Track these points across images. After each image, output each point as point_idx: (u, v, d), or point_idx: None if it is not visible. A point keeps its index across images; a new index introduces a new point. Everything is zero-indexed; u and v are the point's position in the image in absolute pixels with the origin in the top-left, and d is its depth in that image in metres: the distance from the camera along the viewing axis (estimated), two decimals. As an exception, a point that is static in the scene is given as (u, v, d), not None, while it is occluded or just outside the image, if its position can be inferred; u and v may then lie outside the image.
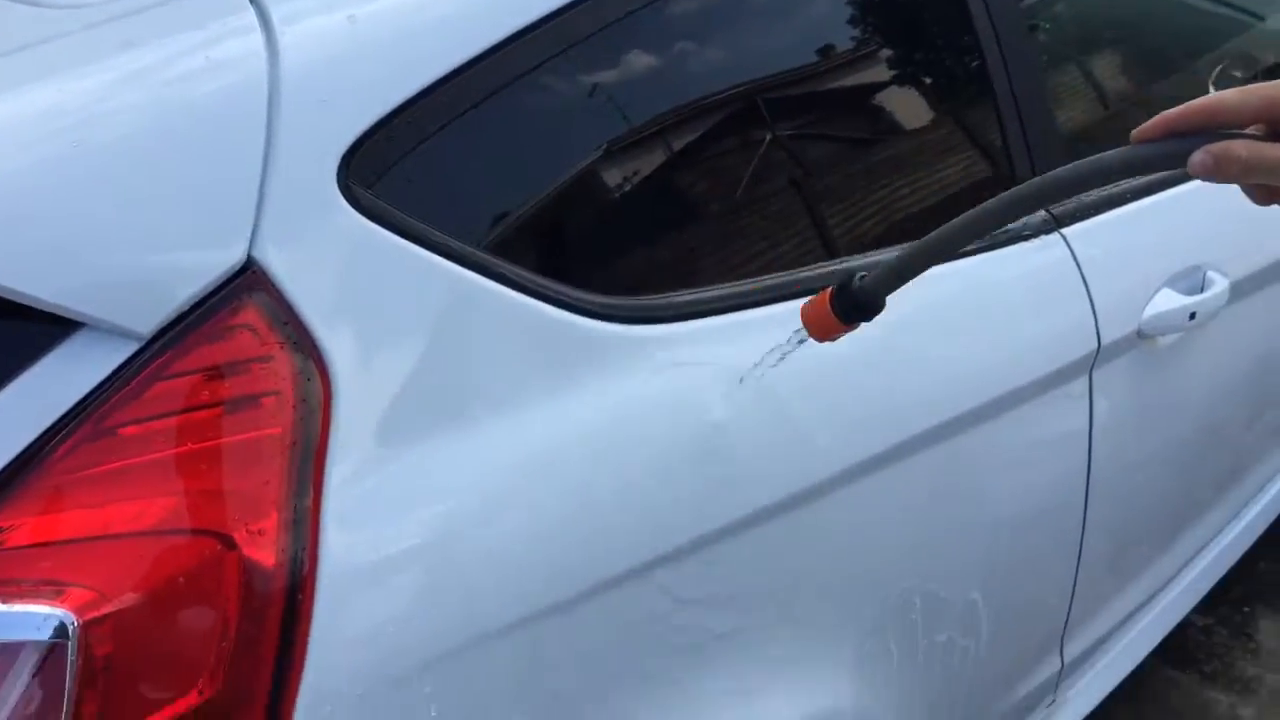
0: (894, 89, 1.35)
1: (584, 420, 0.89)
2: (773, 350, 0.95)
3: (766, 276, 1.07)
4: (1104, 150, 0.71)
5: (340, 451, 0.78)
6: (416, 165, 0.85)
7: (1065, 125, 1.53)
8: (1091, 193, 1.42)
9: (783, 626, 1.06)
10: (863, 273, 0.85)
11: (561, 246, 0.97)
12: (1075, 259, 1.32)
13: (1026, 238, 1.31)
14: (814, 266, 1.12)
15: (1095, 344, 1.33)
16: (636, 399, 0.92)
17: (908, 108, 1.38)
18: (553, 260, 0.93)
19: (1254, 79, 0.92)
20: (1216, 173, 0.68)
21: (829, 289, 0.86)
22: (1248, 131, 0.69)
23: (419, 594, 0.79)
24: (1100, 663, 1.77)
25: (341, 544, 0.76)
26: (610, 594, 0.89)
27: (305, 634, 0.75)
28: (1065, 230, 1.34)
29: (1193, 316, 1.44)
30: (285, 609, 0.74)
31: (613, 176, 1.00)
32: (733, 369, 0.98)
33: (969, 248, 1.25)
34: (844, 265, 1.13)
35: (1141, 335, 1.40)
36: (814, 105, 1.25)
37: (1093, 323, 1.32)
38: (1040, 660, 1.53)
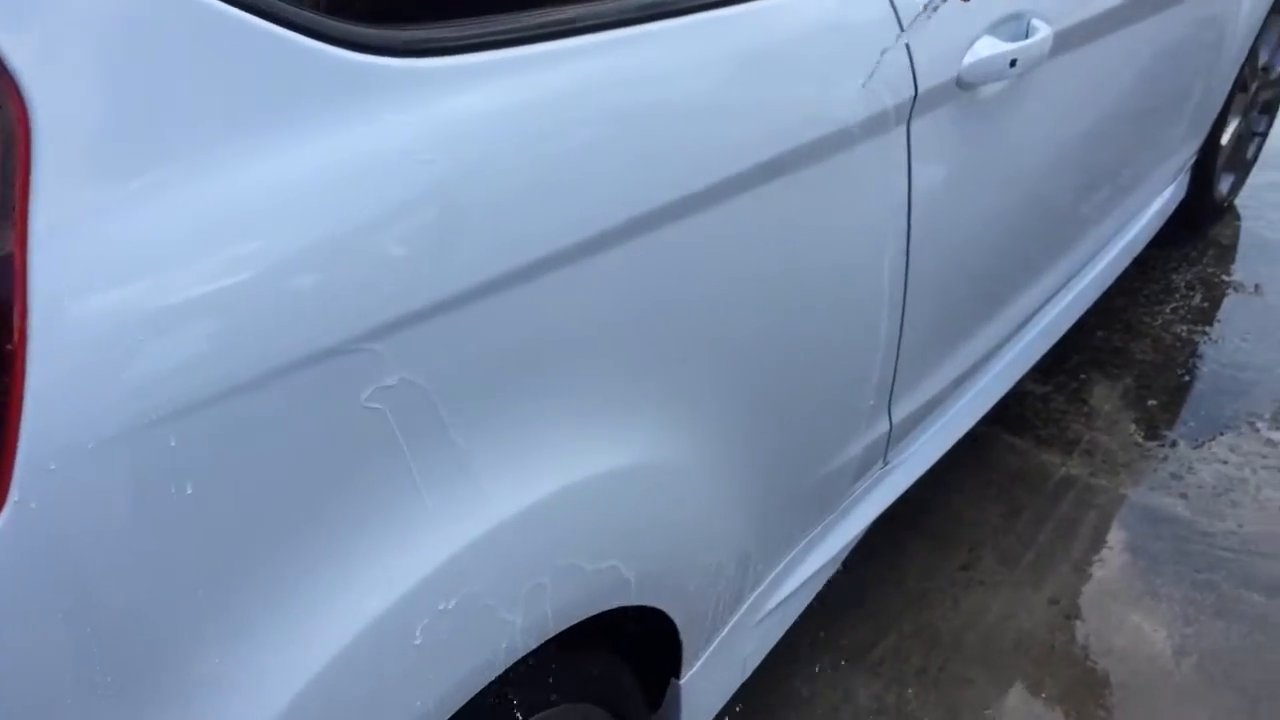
0: None
1: (331, 163, 0.81)
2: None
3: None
4: None
5: (47, 189, 0.69)
6: None
7: None
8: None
9: (596, 372, 1.02)
10: None
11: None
12: (892, 2, 1.27)
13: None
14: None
15: (912, 91, 1.29)
16: (397, 141, 0.85)
17: None
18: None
19: None
20: None
21: None
22: None
23: (145, 344, 0.72)
24: (932, 426, 1.81)
25: (58, 281, 0.69)
26: (382, 341, 0.83)
27: (19, 388, 0.68)
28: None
29: (1014, 64, 1.40)
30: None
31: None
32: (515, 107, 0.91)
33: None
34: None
35: (961, 84, 1.37)
36: None
37: (909, 68, 1.28)
38: (868, 421, 1.55)
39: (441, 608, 0.91)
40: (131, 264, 0.72)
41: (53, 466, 0.69)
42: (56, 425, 0.69)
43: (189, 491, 0.75)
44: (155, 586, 0.75)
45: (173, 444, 0.73)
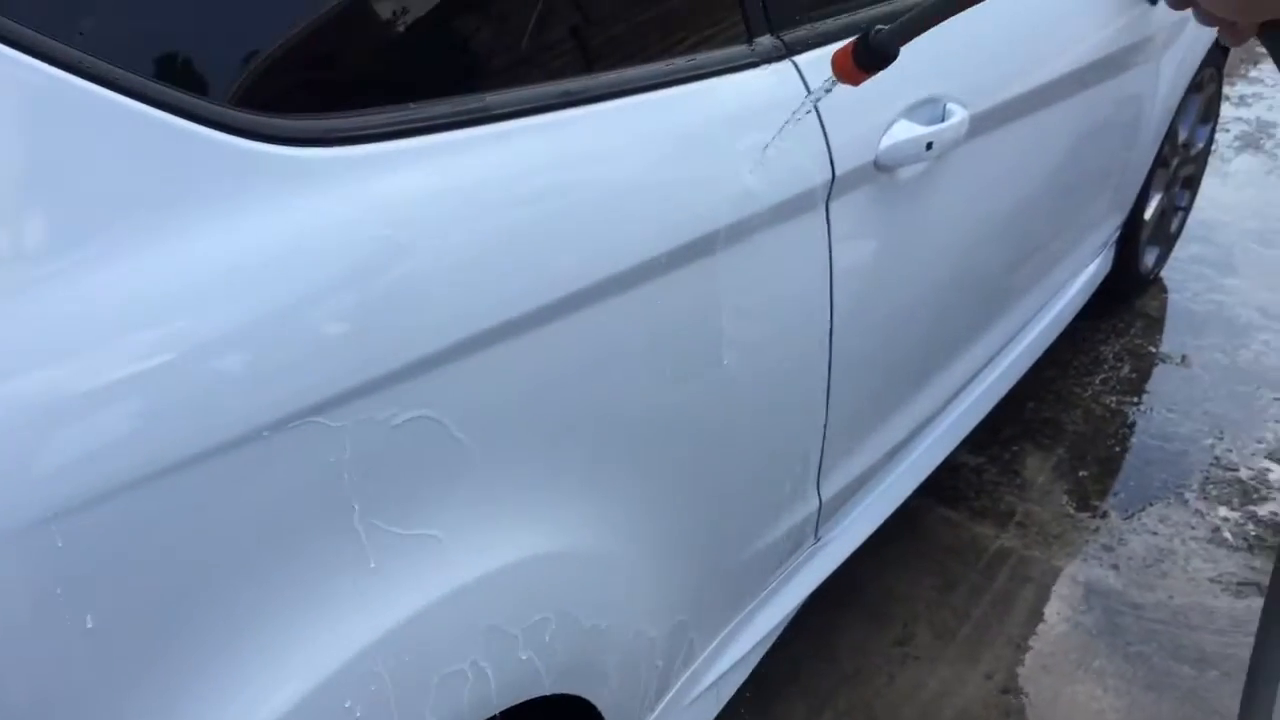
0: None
1: (249, 248, 0.81)
2: (807, 98, 1.19)
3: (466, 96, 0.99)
4: None
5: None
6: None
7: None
8: (827, 20, 1.39)
9: (514, 461, 1.01)
10: (879, 26, 1.01)
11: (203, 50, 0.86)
12: (808, 87, 1.29)
13: (755, 64, 1.27)
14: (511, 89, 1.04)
15: (830, 174, 1.31)
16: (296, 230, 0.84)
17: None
18: (185, 66, 0.83)
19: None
20: None
21: (852, 40, 1.03)
22: None
23: (57, 431, 0.70)
24: (864, 502, 1.81)
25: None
26: (301, 424, 0.82)
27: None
28: (797, 58, 1.31)
29: (930, 146, 1.43)
30: None
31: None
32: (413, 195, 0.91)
33: (697, 74, 1.21)
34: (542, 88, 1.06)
35: (879, 166, 1.39)
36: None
37: (826, 151, 1.30)
38: (796, 499, 1.54)
39: (349, 705, 0.89)
40: (39, 350, 0.70)
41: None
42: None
43: (112, 576, 0.73)
44: (74, 674, 0.73)
45: (86, 532, 0.71)
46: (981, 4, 0.92)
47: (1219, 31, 0.76)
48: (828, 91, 1.13)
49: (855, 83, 1.06)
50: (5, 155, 0.71)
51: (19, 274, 0.70)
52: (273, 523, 0.83)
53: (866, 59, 1.04)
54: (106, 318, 0.73)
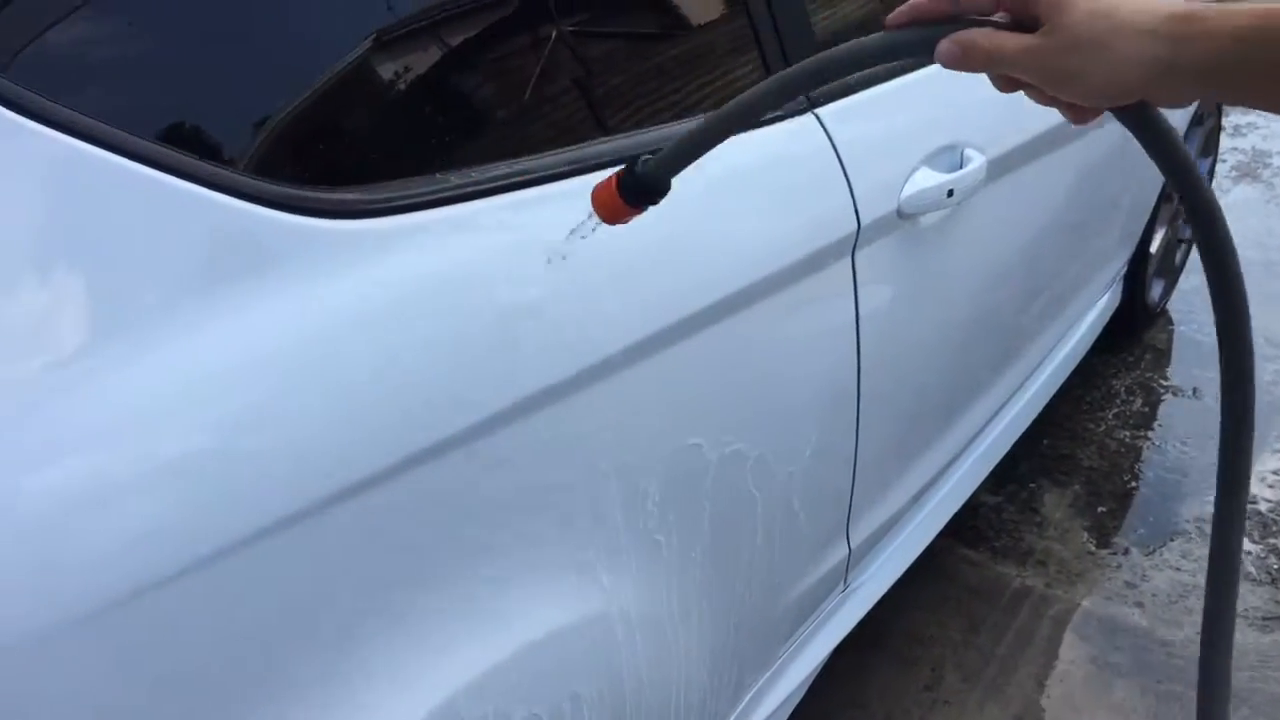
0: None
1: (295, 322, 0.81)
2: (572, 232, 0.91)
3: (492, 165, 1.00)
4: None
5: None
6: (62, 40, 0.74)
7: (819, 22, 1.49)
8: (846, 73, 1.40)
9: (548, 522, 1.01)
10: (646, 155, 0.83)
11: (254, 131, 0.87)
12: (831, 140, 1.30)
13: (780, 120, 1.28)
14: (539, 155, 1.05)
15: (855, 224, 1.32)
16: (336, 309, 0.85)
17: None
18: (242, 148, 0.84)
19: None
20: (963, 62, 0.68)
21: (617, 172, 0.84)
22: (993, 19, 0.70)
23: (97, 522, 0.70)
24: (890, 545, 1.81)
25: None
26: (342, 505, 0.82)
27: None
28: (820, 111, 1.32)
29: (951, 193, 1.44)
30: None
31: (303, 56, 0.90)
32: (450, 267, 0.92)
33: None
34: (581, 150, 1.07)
35: (902, 214, 1.40)
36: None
37: (851, 203, 1.31)
38: (827, 547, 1.54)
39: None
40: (81, 442, 0.70)
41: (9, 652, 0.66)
42: (13, 612, 0.66)
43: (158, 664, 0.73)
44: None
45: (137, 617, 0.71)
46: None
47: (1061, 110, 0.72)
48: (595, 229, 0.88)
49: (623, 221, 0.85)
50: (44, 236, 0.71)
51: (55, 373, 0.70)
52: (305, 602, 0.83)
53: (635, 195, 0.83)
54: (170, 394, 0.73)
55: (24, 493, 0.67)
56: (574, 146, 1.07)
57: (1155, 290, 3.01)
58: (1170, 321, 3.16)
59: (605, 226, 0.86)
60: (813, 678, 1.69)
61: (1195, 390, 2.84)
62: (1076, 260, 2.25)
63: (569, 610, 1.04)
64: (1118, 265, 2.62)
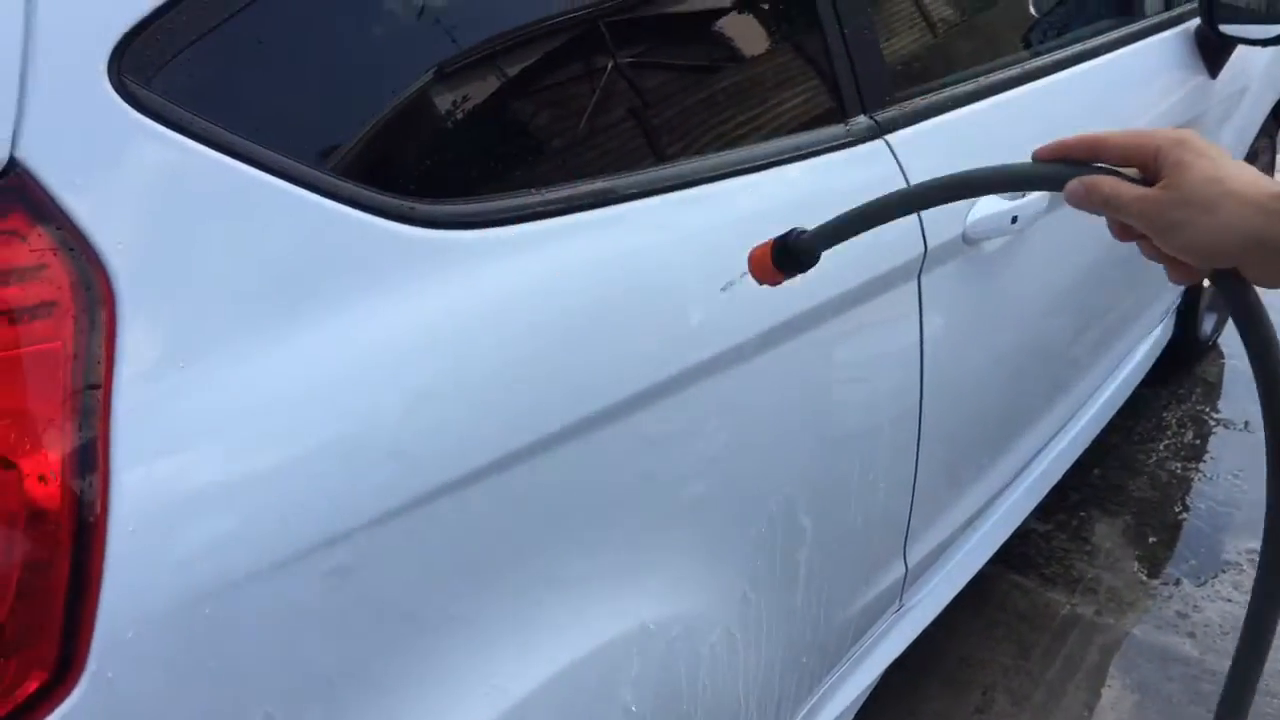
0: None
1: (399, 328, 0.86)
2: (725, 285, 1.06)
3: (580, 183, 1.04)
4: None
5: (129, 364, 0.72)
6: (200, 58, 0.79)
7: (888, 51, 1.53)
8: (915, 99, 1.44)
9: (616, 532, 1.05)
10: (800, 229, 0.92)
11: (368, 148, 0.92)
12: (899, 164, 1.34)
13: (852, 144, 1.31)
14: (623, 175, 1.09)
15: (922, 248, 1.35)
16: (450, 308, 0.89)
17: (733, 27, 1.37)
18: (358, 162, 0.89)
19: None
20: (1084, 201, 0.76)
21: (773, 239, 0.93)
22: (1123, 171, 0.76)
23: (222, 512, 0.75)
24: (944, 568, 1.82)
25: (134, 459, 0.71)
26: (438, 502, 0.86)
27: (100, 556, 0.70)
28: (889, 136, 1.35)
29: (1014, 220, 1.47)
30: (76, 528, 0.69)
31: (419, 72, 0.95)
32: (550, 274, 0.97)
33: (798, 155, 1.25)
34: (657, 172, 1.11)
35: (967, 239, 1.43)
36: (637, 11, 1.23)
37: (918, 226, 1.34)
38: (885, 566, 1.56)
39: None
40: (199, 440, 0.75)
41: (130, 635, 0.70)
42: (134, 594, 0.71)
43: (254, 651, 0.77)
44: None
45: (240, 607, 0.75)
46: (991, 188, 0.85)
47: (1167, 270, 0.78)
48: (742, 277, 0.99)
49: (773, 283, 0.95)
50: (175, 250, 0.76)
51: (179, 372, 0.75)
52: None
53: (785, 261, 0.92)
54: (296, 392, 0.78)
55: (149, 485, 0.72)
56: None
57: (1207, 324, 3.01)
58: (1221, 355, 3.15)
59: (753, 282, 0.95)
60: (865, 696, 1.70)
61: (1247, 423, 2.83)
62: (1131, 293, 2.27)
63: (627, 618, 1.07)
64: (1171, 298, 2.63)
